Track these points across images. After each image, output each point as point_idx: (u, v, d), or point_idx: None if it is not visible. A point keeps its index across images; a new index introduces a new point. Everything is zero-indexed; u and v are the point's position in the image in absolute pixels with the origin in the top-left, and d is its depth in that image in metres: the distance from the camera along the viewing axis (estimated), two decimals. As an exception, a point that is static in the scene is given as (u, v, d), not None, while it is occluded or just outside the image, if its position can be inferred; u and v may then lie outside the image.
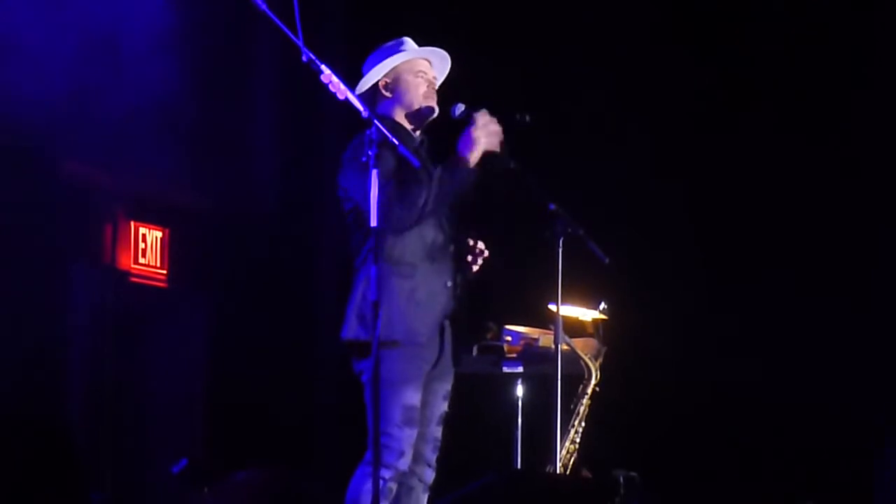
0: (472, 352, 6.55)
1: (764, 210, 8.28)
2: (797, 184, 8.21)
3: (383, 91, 5.79)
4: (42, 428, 4.91)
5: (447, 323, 5.71)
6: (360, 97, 5.45)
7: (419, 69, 5.80)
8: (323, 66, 5.23)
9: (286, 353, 8.74)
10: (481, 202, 5.95)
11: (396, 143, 5.36)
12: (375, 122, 5.24)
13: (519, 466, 6.62)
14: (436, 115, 5.78)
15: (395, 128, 5.61)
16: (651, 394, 8.05)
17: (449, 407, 5.77)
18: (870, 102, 8.17)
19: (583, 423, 6.54)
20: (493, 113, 5.65)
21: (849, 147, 8.17)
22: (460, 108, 5.69)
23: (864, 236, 8.11)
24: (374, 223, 5.19)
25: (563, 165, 7.57)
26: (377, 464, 5.25)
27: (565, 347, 6.21)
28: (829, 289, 8.08)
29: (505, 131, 5.69)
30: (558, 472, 6.07)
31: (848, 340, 7.96)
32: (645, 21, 8.49)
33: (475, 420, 7.36)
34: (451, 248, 5.73)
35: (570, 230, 5.76)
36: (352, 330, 5.58)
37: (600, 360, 6.57)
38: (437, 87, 5.83)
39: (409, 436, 5.58)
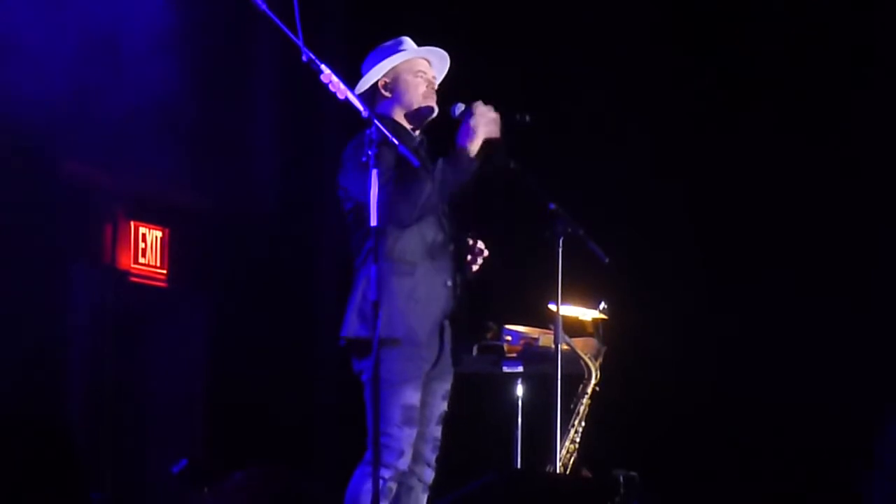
0: (472, 351, 6.54)
1: (764, 210, 8.28)
2: (797, 184, 8.21)
3: (383, 91, 5.79)
4: (42, 428, 4.90)
5: (447, 323, 5.72)
6: (360, 97, 5.46)
7: (418, 69, 5.80)
8: (323, 66, 5.23)
9: (286, 353, 8.74)
10: (481, 202, 5.96)
11: (396, 142, 5.36)
12: (375, 121, 5.25)
13: (519, 466, 6.62)
14: (435, 114, 5.79)
15: (395, 127, 5.62)
16: (651, 394, 8.05)
17: (448, 406, 5.78)
18: (870, 102, 8.16)
19: (583, 423, 6.54)
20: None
21: (849, 147, 8.17)
22: (460, 107, 5.70)
23: (864, 236, 8.10)
24: (374, 222, 5.19)
25: (563, 165, 7.57)
26: (377, 463, 5.25)
27: (565, 347, 6.21)
28: (829, 289, 8.08)
29: (505, 131, 5.69)
30: (558, 471, 6.07)
31: (848, 340, 7.96)
32: (645, 21, 8.49)
33: (475, 420, 7.37)
34: (451, 247, 5.73)
35: (570, 230, 5.76)
36: (352, 328, 5.58)
37: (600, 359, 6.57)
38: (436, 87, 5.84)
39: (408, 435, 5.58)
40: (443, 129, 5.76)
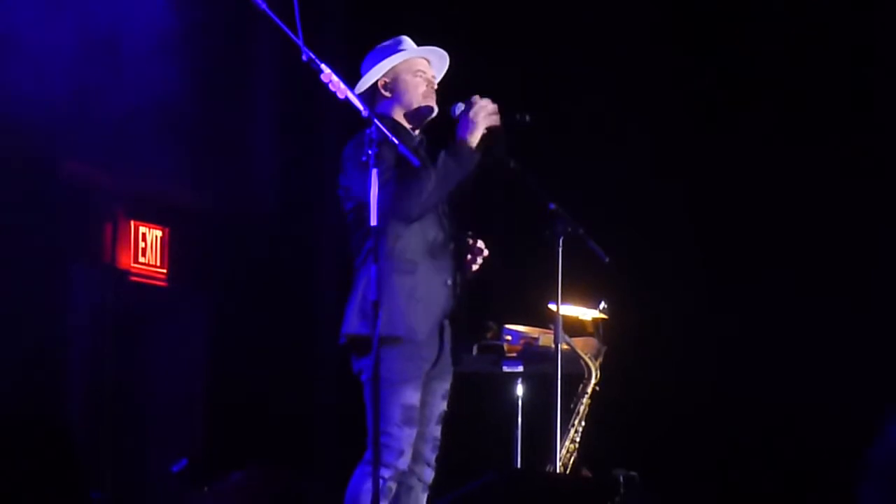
0: (472, 351, 6.55)
1: (764, 210, 8.27)
2: (797, 184, 8.20)
3: (382, 91, 5.80)
4: (42, 428, 4.90)
5: (447, 322, 5.72)
6: (360, 97, 5.46)
7: (418, 68, 5.80)
8: (323, 66, 5.23)
9: (286, 353, 8.74)
10: (481, 202, 5.96)
11: (396, 142, 5.37)
12: (375, 121, 5.25)
13: (519, 466, 6.62)
14: (435, 114, 5.79)
15: (395, 127, 5.62)
16: (651, 394, 8.05)
17: (448, 406, 5.78)
18: (870, 102, 8.16)
19: (583, 423, 6.54)
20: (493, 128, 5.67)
21: (849, 147, 8.17)
22: (460, 107, 5.70)
23: (864, 236, 8.10)
24: (374, 222, 5.20)
25: (563, 165, 7.57)
26: (377, 463, 5.25)
27: (565, 347, 6.21)
28: (829, 289, 8.07)
29: (505, 131, 5.69)
30: (558, 471, 6.07)
31: (848, 340, 7.95)
32: (645, 21, 8.49)
33: (475, 419, 7.37)
34: (452, 246, 5.74)
35: (570, 230, 5.76)
36: (353, 325, 5.58)
37: (600, 359, 6.57)
38: (436, 87, 5.84)
39: (408, 435, 5.58)
40: (443, 128, 5.77)
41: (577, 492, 5.75)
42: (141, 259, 8.70)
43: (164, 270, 8.84)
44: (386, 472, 5.50)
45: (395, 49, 5.81)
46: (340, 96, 5.30)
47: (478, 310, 6.31)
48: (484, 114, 5.63)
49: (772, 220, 8.28)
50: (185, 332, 8.96)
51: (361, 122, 5.39)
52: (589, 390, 6.55)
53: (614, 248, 5.89)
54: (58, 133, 7.80)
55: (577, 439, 6.53)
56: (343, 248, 5.86)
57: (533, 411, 6.58)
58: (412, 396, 5.60)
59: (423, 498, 5.74)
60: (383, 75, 5.79)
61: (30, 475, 4.71)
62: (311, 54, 5.21)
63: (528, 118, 5.69)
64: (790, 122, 8.29)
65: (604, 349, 6.59)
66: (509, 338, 6.60)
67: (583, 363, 6.54)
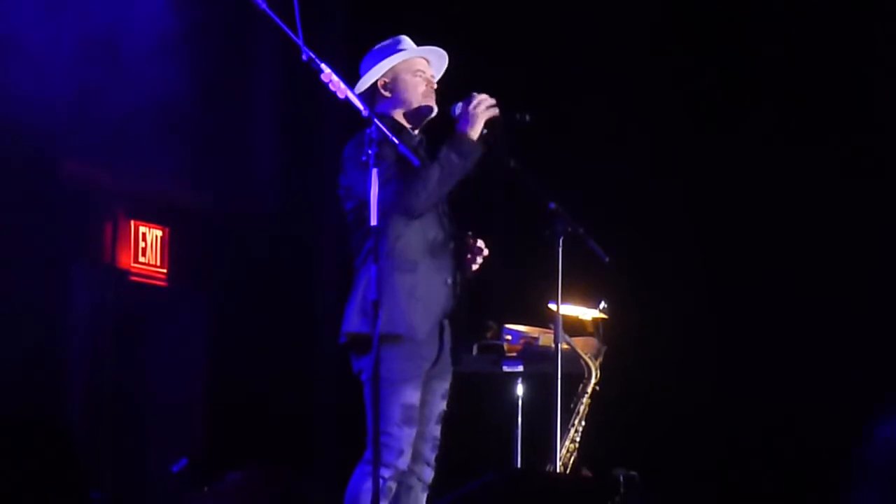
0: (472, 351, 6.55)
1: (764, 210, 8.27)
2: (797, 184, 8.20)
3: (382, 91, 5.80)
4: (42, 428, 4.90)
5: (446, 322, 5.73)
6: (359, 96, 5.46)
7: (417, 68, 5.81)
8: (323, 66, 5.24)
9: (286, 353, 8.74)
10: (481, 201, 5.95)
11: (396, 141, 5.38)
12: (375, 120, 5.25)
13: (519, 465, 6.62)
14: (434, 113, 5.80)
15: (395, 127, 5.63)
16: (651, 394, 8.05)
17: (448, 406, 5.78)
18: (870, 102, 8.16)
19: (583, 423, 6.54)
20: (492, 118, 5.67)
21: (849, 147, 8.17)
22: (460, 106, 5.70)
23: (864, 236, 8.10)
24: (374, 222, 5.20)
25: (563, 165, 7.57)
26: (377, 463, 5.25)
27: (565, 346, 6.21)
28: (829, 289, 8.07)
29: (505, 130, 5.69)
30: (558, 471, 6.07)
31: (848, 340, 7.95)
32: (645, 21, 8.49)
33: (475, 419, 7.37)
34: (452, 245, 5.74)
35: (570, 229, 5.76)
36: (354, 323, 5.58)
37: (600, 359, 6.57)
38: (435, 86, 5.84)
39: (408, 435, 5.58)
40: (442, 128, 5.77)
41: (577, 492, 5.74)
42: (141, 259, 8.70)
43: (164, 270, 8.84)
44: (386, 472, 5.50)
45: (394, 49, 5.81)
46: (340, 96, 5.30)
47: (478, 309, 6.31)
48: (483, 107, 5.64)
49: (772, 220, 8.28)
50: (185, 332, 8.95)
51: (361, 122, 5.40)
52: (589, 390, 6.55)
53: (614, 248, 5.89)
54: (58, 133, 7.80)
55: (577, 439, 6.53)
56: (343, 248, 5.86)
57: (533, 411, 6.58)
58: (412, 396, 5.60)
59: (423, 497, 5.74)
60: (383, 75, 5.80)
61: (30, 475, 4.71)
62: (311, 54, 5.22)
63: (528, 118, 5.69)
64: (790, 122, 8.29)
65: (604, 349, 6.59)
66: (509, 337, 6.60)
67: (583, 363, 6.54)
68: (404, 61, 5.80)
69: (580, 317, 6.61)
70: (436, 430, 5.74)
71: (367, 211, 5.24)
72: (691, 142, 8.41)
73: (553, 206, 5.78)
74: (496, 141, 5.66)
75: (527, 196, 5.77)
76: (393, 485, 5.59)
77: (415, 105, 5.78)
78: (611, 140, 8.37)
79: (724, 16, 8.43)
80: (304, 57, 5.22)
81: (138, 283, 8.70)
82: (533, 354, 6.57)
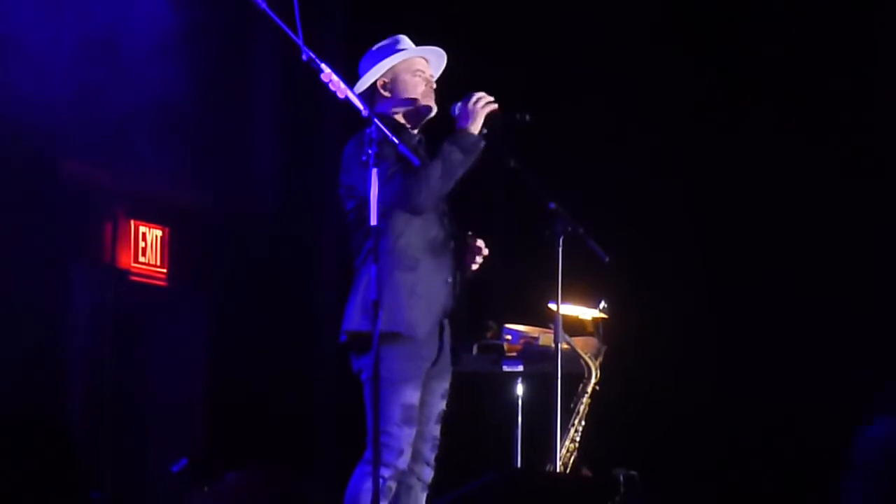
0: (472, 350, 6.55)
1: (764, 210, 8.27)
2: (797, 184, 8.20)
3: (382, 91, 5.80)
4: (42, 428, 4.89)
5: (446, 322, 5.73)
6: (359, 96, 5.46)
7: (417, 68, 5.81)
8: (323, 65, 5.24)
9: (286, 353, 8.74)
10: (481, 201, 5.95)
11: (396, 141, 5.38)
12: (375, 120, 5.26)
13: (519, 465, 6.62)
14: (434, 113, 5.80)
15: (395, 126, 5.63)
16: (651, 393, 8.05)
17: (448, 406, 5.78)
18: (870, 102, 8.16)
19: (583, 422, 6.54)
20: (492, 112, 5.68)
21: (849, 147, 8.17)
22: (459, 106, 5.71)
23: (864, 236, 8.10)
24: (374, 222, 5.20)
25: (563, 165, 7.57)
26: (377, 462, 5.25)
27: (565, 346, 6.21)
28: (829, 289, 8.07)
29: (505, 131, 5.69)
30: (558, 471, 6.07)
31: (848, 341, 7.95)
32: (645, 21, 8.49)
33: (475, 419, 7.37)
34: (452, 244, 5.74)
35: (570, 229, 5.77)
36: (355, 321, 5.58)
37: (600, 358, 6.57)
38: (434, 86, 5.84)
39: (408, 434, 5.58)
40: (442, 128, 5.77)
41: (577, 491, 5.74)
42: (141, 259, 8.70)
43: (164, 270, 8.83)
44: (386, 472, 5.50)
45: (393, 49, 5.82)
46: (340, 96, 5.30)
47: (478, 309, 6.31)
48: (482, 103, 5.64)
49: (772, 220, 8.28)
50: (185, 332, 8.95)
51: (361, 122, 5.40)
52: (589, 390, 6.55)
53: (614, 248, 5.89)
54: (58, 133, 7.80)
55: (577, 439, 6.53)
56: (343, 248, 5.86)
57: (533, 411, 6.58)
58: (412, 396, 5.60)
59: (423, 497, 5.74)
60: (382, 75, 5.80)
61: (30, 475, 4.70)
62: (311, 54, 5.22)
63: (528, 117, 5.69)
64: (790, 122, 8.29)
65: (604, 349, 6.59)
66: (509, 337, 6.60)
67: (583, 363, 6.54)
68: (404, 61, 5.81)
69: (580, 317, 6.61)
70: (435, 430, 5.75)
71: (368, 210, 5.25)
72: (691, 142, 8.41)
73: (553, 206, 5.78)
74: (496, 139, 5.66)
75: (527, 196, 5.77)
76: (393, 484, 5.59)
77: (414, 105, 5.78)
78: (611, 140, 8.37)
79: (724, 16, 8.42)
80: (304, 57, 5.22)
81: (138, 283, 8.70)
82: (533, 354, 6.57)
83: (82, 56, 7.68)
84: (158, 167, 8.31)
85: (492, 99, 5.67)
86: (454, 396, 5.79)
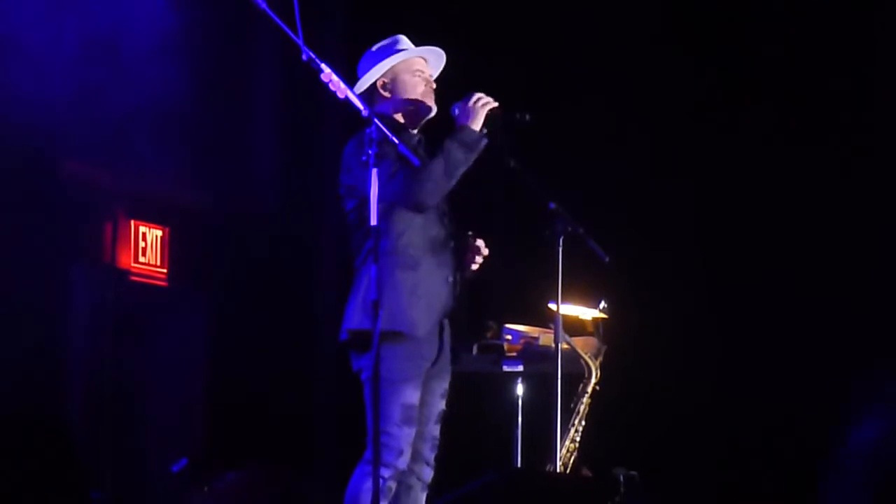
0: (472, 350, 6.55)
1: (764, 210, 8.27)
2: (797, 184, 8.20)
3: (381, 91, 5.80)
4: (42, 428, 4.90)
5: (446, 322, 5.73)
6: (359, 96, 5.47)
7: (416, 68, 5.81)
8: (323, 65, 5.24)
9: (286, 353, 8.74)
10: (481, 201, 5.95)
11: (396, 141, 5.39)
12: (375, 120, 5.26)
13: (519, 465, 6.62)
14: (433, 113, 5.80)
15: (394, 126, 5.63)
16: (651, 393, 8.05)
17: (448, 406, 5.78)
18: (870, 102, 8.16)
19: (583, 422, 6.54)
20: (492, 110, 5.68)
21: (849, 147, 8.17)
22: (459, 106, 5.71)
23: (864, 236, 8.10)
24: (374, 222, 5.20)
25: (563, 165, 7.57)
26: (377, 462, 5.25)
27: (565, 346, 6.21)
28: (829, 289, 8.07)
29: (505, 131, 5.69)
30: (558, 471, 6.07)
31: (848, 341, 7.95)
32: (645, 21, 8.49)
33: (475, 419, 7.37)
34: (452, 244, 5.75)
35: (570, 229, 5.77)
36: (356, 321, 5.58)
37: (600, 358, 6.57)
38: (434, 86, 5.85)
39: (408, 434, 5.58)
40: (442, 128, 5.77)
41: (577, 491, 5.75)
42: (141, 259, 8.70)
43: (165, 270, 8.83)
44: (385, 472, 5.50)
45: (393, 49, 5.82)
46: (340, 96, 5.31)
47: (478, 309, 6.31)
48: (482, 102, 5.65)
49: (772, 220, 8.28)
50: (185, 332, 8.95)
51: (361, 122, 5.40)
52: (589, 390, 6.55)
53: (614, 248, 5.89)
54: (58, 133, 7.80)
55: (578, 439, 6.53)
56: (343, 248, 5.86)
57: (533, 411, 6.58)
58: (412, 396, 5.60)
59: (423, 497, 5.74)
60: (382, 75, 5.80)
61: (30, 475, 4.70)
62: (311, 54, 5.22)
63: (528, 117, 5.69)
64: (790, 122, 8.29)
65: (604, 348, 6.59)
66: (509, 337, 6.60)
67: (583, 363, 6.54)
68: (403, 61, 5.81)
69: (580, 316, 6.61)
70: (435, 430, 5.75)
71: (368, 210, 5.24)
72: (691, 142, 8.41)
73: (553, 206, 5.78)
74: (496, 139, 5.66)
75: (527, 196, 5.77)
76: (393, 484, 5.59)
77: (414, 105, 5.78)
78: (611, 140, 8.37)
79: (724, 16, 8.42)
80: (304, 57, 5.22)
81: (138, 283, 8.70)
82: (533, 354, 6.57)
83: (82, 56, 7.68)
84: (158, 167, 8.31)
85: (491, 99, 5.68)
86: (454, 396, 5.79)
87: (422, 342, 5.61)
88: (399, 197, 5.54)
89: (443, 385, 5.75)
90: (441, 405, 5.75)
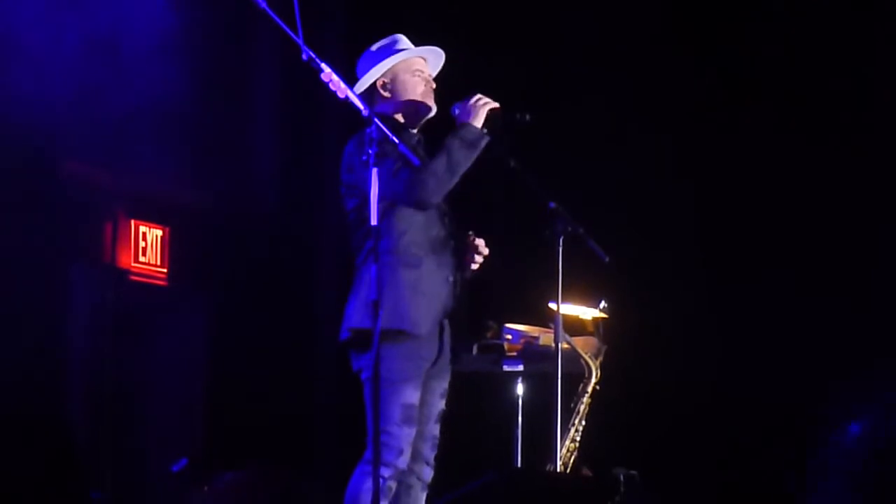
0: (472, 350, 6.55)
1: (764, 210, 8.27)
2: (797, 184, 8.21)
3: (381, 91, 5.80)
4: (42, 428, 4.90)
5: (446, 322, 5.73)
6: (359, 96, 5.47)
7: (416, 68, 5.81)
8: (323, 65, 5.24)
9: (286, 353, 8.74)
10: (481, 201, 5.95)
11: (397, 141, 5.39)
12: (376, 120, 5.26)
13: (519, 465, 6.62)
14: (433, 113, 5.80)
15: (394, 126, 5.63)
16: (651, 393, 8.05)
17: (448, 405, 5.78)
18: (870, 102, 8.16)
19: (583, 422, 6.54)
20: (492, 110, 5.69)
21: (849, 147, 8.17)
22: (459, 106, 5.71)
23: (864, 236, 8.10)
24: (374, 221, 5.20)
25: (563, 165, 7.57)
26: (377, 462, 5.25)
27: (565, 346, 6.21)
28: (829, 289, 8.07)
29: (505, 131, 5.69)
30: (558, 470, 6.07)
31: (848, 341, 7.95)
32: (645, 21, 8.49)
33: (475, 419, 7.37)
34: (452, 243, 5.75)
35: (570, 229, 5.77)
36: (358, 319, 5.57)
37: (600, 358, 6.57)
38: (434, 86, 5.85)
39: (408, 434, 5.58)
40: (441, 128, 5.77)
41: (578, 491, 5.75)
42: (141, 259, 8.70)
43: (165, 270, 8.84)
44: (386, 472, 5.50)
45: (392, 49, 5.82)
46: (340, 95, 5.31)
47: (478, 309, 6.31)
48: (483, 101, 5.65)
49: (772, 220, 8.28)
50: (185, 331, 8.95)
51: (361, 122, 5.40)
52: (589, 389, 6.54)
53: (614, 247, 5.89)
54: (58, 133, 7.80)
55: (578, 438, 6.53)
56: (343, 248, 5.86)
57: (533, 410, 6.58)
58: (412, 395, 5.60)
59: (423, 497, 5.74)
60: (382, 75, 5.80)
61: (30, 475, 4.71)
62: (312, 53, 5.22)
63: (528, 117, 5.70)
64: (790, 121, 8.29)
65: (604, 348, 6.58)
66: (509, 337, 6.60)
67: (583, 362, 6.54)
68: (403, 61, 5.81)
69: (580, 316, 6.61)
70: (435, 430, 5.74)
71: (369, 210, 5.24)
72: (691, 142, 8.41)
73: (553, 205, 5.78)
74: (496, 139, 5.66)
75: (527, 196, 5.77)
76: (393, 484, 5.59)
77: (414, 105, 5.78)
78: (611, 140, 8.37)
79: (724, 16, 8.43)
80: (304, 57, 5.22)
81: (138, 283, 8.70)
82: (533, 354, 6.57)
83: (82, 56, 7.69)
84: (158, 167, 8.32)
85: (491, 100, 5.68)
86: (454, 396, 5.79)
87: (423, 342, 5.61)
88: (402, 195, 5.54)
89: (442, 385, 5.75)
90: (441, 405, 5.75)
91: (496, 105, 5.66)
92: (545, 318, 6.36)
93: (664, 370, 8.14)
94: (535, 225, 5.82)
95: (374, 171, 5.19)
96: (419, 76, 5.80)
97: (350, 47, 6.09)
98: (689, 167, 8.38)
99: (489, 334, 6.63)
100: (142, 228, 8.73)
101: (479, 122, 5.63)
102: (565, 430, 6.45)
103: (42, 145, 7.77)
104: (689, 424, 8.13)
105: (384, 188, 5.25)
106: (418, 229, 5.64)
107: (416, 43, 5.86)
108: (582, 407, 6.54)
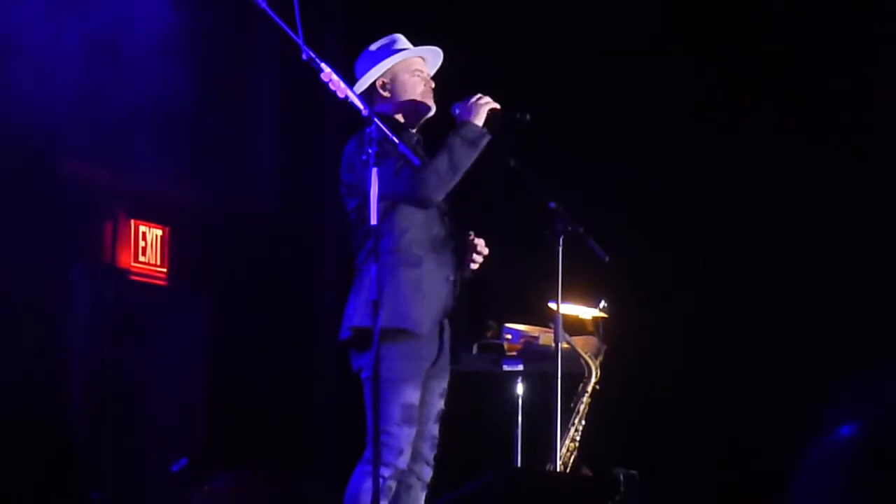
0: (472, 350, 6.55)
1: (764, 210, 8.27)
2: (797, 184, 8.20)
3: (381, 91, 5.81)
4: (42, 427, 4.90)
5: (446, 322, 5.73)
6: (359, 96, 5.47)
7: (415, 67, 5.82)
8: (323, 65, 5.24)
9: (286, 353, 8.74)
10: (481, 201, 5.95)
11: (396, 140, 5.39)
12: (375, 119, 5.26)
13: (519, 465, 6.62)
14: (433, 112, 5.81)
15: (394, 126, 5.64)
16: (651, 393, 8.05)
17: (448, 405, 5.78)
18: (870, 102, 8.16)
19: (583, 422, 6.54)
20: (493, 110, 5.69)
21: (849, 147, 8.17)
22: (460, 105, 5.72)
23: (864, 236, 8.10)
24: (374, 221, 5.20)
25: (563, 165, 7.57)
26: (377, 462, 5.25)
27: (565, 346, 6.21)
28: (829, 289, 8.07)
29: (505, 131, 5.70)
30: (558, 470, 6.07)
31: (848, 341, 7.95)
32: (645, 21, 8.49)
33: (475, 418, 7.37)
34: (452, 243, 5.75)
35: (570, 228, 5.77)
36: (359, 318, 5.57)
37: (600, 358, 6.57)
38: (433, 85, 5.85)
39: (408, 434, 5.58)
40: (441, 128, 5.77)
41: (578, 491, 5.75)
42: (141, 258, 8.70)
43: (165, 270, 8.84)
44: (385, 471, 5.50)
45: (391, 49, 5.82)
46: (340, 95, 5.31)
47: (478, 309, 6.31)
48: (484, 100, 5.66)
49: (772, 220, 8.28)
50: (185, 332, 8.95)
51: (361, 122, 5.40)
52: (589, 389, 6.54)
53: (614, 246, 5.89)
54: (58, 133, 7.80)
55: (578, 438, 6.53)
56: (343, 248, 5.86)
57: (533, 410, 6.58)
58: (412, 395, 5.60)
59: (422, 497, 5.75)
60: (381, 75, 5.80)
61: (30, 475, 4.71)
62: (311, 53, 5.22)
63: (528, 117, 5.70)
64: (790, 122, 8.29)
65: (604, 348, 6.59)
66: (509, 336, 6.60)
67: (583, 362, 6.54)
68: (402, 61, 5.81)
69: (580, 316, 6.61)
70: (434, 429, 5.75)
71: (369, 209, 5.25)
72: (691, 142, 8.41)
73: (553, 205, 5.78)
74: (496, 139, 5.67)
75: (527, 196, 5.77)
76: (393, 484, 5.59)
77: (413, 104, 5.79)
78: (611, 140, 8.37)
79: (724, 16, 8.43)
80: (304, 56, 5.22)
81: (138, 283, 8.70)
82: (533, 353, 6.57)
83: (82, 56, 7.69)
84: (158, 167, 8.32)
85: (491, 100, 5.68)
86: (454, 396, 5.79)
87: (423, 341, 5.62)
88: (404, 193, 5.54)
89: (442, 384, 5.76)
90: (440, 404, 5.76)
91: (496, 105, 5.67)
92: (545, 318, 6.36)
93: (664, 370, 8.14)
94: (535, 225, 5.82)
95: (374, 170, 5.19)
96: (418, 76, 5.80)
97: (350, 47, 6.09)
98: (689, 167, 8.38)
99: (489, 334, 6.63)
100: (142, 228, 8.73)
101: (479, 120, 5.63)
102: (565, 430, 6.45)
103: (42, 145, 7.77)
104: (689, 424, 8.13)
105: (385, 187, 5.26)
106: (419, 229, 5.64)
107: (416, 43, 5.86)
108: (582, 407, 6.54)
